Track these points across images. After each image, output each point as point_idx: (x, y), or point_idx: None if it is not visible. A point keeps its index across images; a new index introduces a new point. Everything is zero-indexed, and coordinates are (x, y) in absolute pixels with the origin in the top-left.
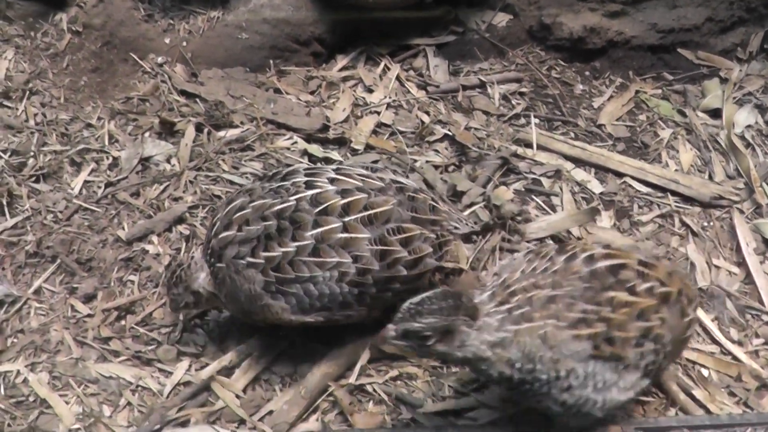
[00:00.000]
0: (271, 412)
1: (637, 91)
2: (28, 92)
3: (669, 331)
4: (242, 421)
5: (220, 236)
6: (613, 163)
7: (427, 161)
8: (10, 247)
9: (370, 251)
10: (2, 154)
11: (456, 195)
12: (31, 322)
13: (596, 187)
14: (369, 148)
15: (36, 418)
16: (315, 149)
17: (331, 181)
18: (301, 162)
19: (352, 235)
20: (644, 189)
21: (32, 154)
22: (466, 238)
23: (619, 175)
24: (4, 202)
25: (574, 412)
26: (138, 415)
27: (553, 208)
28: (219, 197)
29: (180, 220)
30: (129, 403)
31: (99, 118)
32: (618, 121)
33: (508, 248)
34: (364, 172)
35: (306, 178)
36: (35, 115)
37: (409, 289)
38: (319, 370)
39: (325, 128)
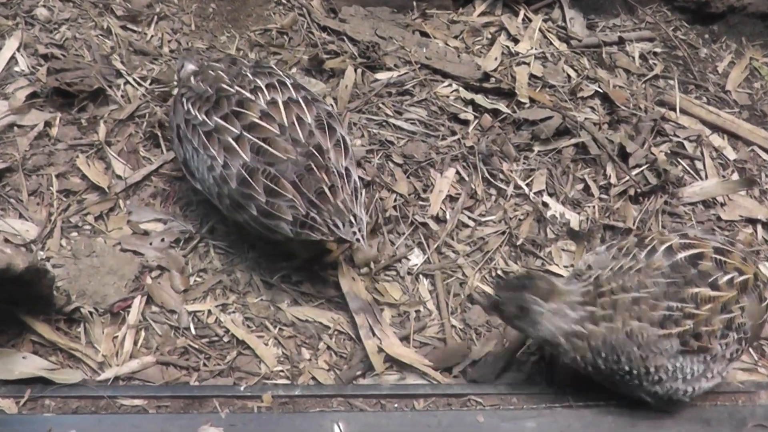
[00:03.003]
0: (474, 363)
1: (750, 59)
2: (155, 17)
3: (749, 317)
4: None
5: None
6: (743, 132)
7: (585, 118)
8: (174, 182)
9: (238, 169)
10: (142, 82)
11: (623, 156)
12: (213, 261)
13: (730, 154)
14: (531, 101)
15: (234, 358)
16: (481, 99)
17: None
18: (467, 111)
19: (237, 147)
20: None
21: (175, 83)
22: (634, 199)
23: (747, 143)
24: (159, 134)
25: (664, 400)
26: (338, 359)
27: (698, 173)
28: (391, 143)
29: (358, 164)
30: (328, 347)
31: (238, 49)
32: (740, 88)
33: (669, 211)
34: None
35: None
36: (169, 41)
37: (266, 231)
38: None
39: (486, 77)
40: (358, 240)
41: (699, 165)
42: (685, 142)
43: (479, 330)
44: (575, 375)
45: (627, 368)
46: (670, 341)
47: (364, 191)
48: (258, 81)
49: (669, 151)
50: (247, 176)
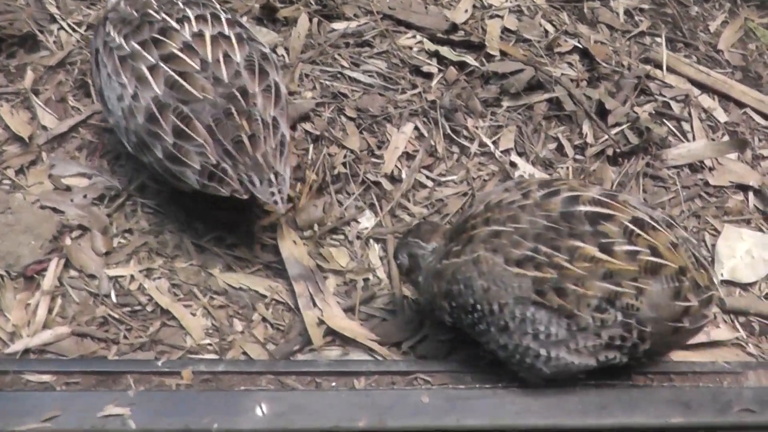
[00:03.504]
0: (425, 338)
1: (745, 19)
2: None
3: (651, 309)
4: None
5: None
6: (736, 93)
7: (562, 74)
8: (103, 134)
9: (148, 103)
10: (77, 27)
11: (601, 113)
12: (140, 221)
13: (721, 115)
14: (502, 54)
15: (158, 330)
16: (447, 51)
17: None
18: (430, 64)
19: (149, 77)
20: (764, 122)
21: None
22: (612, 160)
23: (740, 105)
24: (90, 82)
25: (517, 359)
26: (274, 332)
27: (685, 135)
28: (345, 96)
29: (305, 117)
30: (264, 319)
31: None
32: (733, 48)
33: (651, 174)
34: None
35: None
36: None
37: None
38: None
39: (454, 29)
40: (276, 202)
41: (686, 127)
42: (672, 102)
43: None
44: None
45: (471, 302)
46: (520, 281)
47: (290, 148)
48: (188, 11)
49: (654, 111)
50: (156, 112)
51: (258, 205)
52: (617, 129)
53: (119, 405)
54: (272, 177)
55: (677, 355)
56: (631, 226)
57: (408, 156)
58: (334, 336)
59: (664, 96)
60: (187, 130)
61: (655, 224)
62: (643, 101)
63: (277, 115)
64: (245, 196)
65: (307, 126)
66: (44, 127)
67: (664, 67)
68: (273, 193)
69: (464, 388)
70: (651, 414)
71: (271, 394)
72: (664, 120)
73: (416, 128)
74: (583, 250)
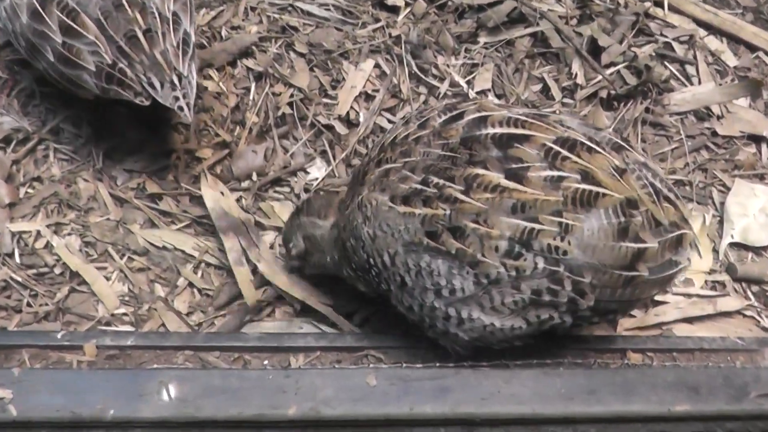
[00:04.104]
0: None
1: None
2: None
3: (582, 252)
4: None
5: None
6: (747, 34)
7: (549, 9)
8: (15, 67)
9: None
10: None
11: (594, 52)
12: (52, 168)
13: (730, 59)
14: None
15: (66, 297)
16: None
17: None
18: None
19: None
20: None
21: None
22: (606, 104)
23: (751, 48)
24: None
25: (428, 324)
26: (202, 299)
27: (689, 79)
28: (295, 29)
29: (246, 53)
30: (190, 284)
31: None
32: None
33: (651, 121)
34: None
35: None
36: None
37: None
38: None
39: None
40: (180, 108)
41: (691, 70)
42: (674, 43)
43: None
44: None
45: (364, 256)
46: (408, 222)
47: (195, 50)
48: None
49: (654, 53)
50: (38, 7)
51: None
52: (612, 69)
53: (1, 386)
54: (174, 79)
55: (680, 329)
56: (556, 147)
57: (367, 97)
58: (275, 303)
59: (666, 36)
60: (74, 25)
61: (593, 146)
62: (642, 42)
63: (179, 11)
64: (146, 102)
65: (249, 62)
66: None
67: (666, 5)
68: (177, 98)
69: (421, 367)
70: (651, 400)
71: (183, 373)
72: (666, 63)
73: (377, 66)
74: (484, 177)
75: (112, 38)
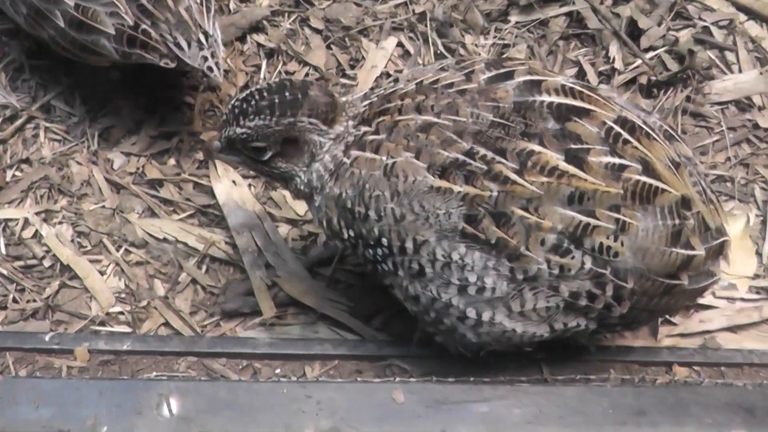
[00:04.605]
0: (402, 312)
1: None
2: None
3: (634, 254)
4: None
5: None
6: None
7: None
8: (1, 40)
9: None
10: None
11: (633, 34)
12: (42, 149)
13: None
14: None
15: (55, 293)
16: None
17: None
18: None
19: None
20: None
21: None
22: (646, 91)
23: None
24: None
25: (433, 318)
26: (207, 297)
27: (729, 66)
28: (310, 3)
29: (257, 28)
30: (194, 281)
31: None
32: None
33: (692, 111)
34: None
35: None
36: None
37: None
38: None
39: None
40: (210, 69)
41: (731, 57)
42: (713, 28)
43: None
44: None
45: (377, 233)
46: (446, 203)
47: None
48: None
49: (692, 38)
50: None
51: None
52: (652, 54)
53: None
54: (201, 37)
55: (724, 337)
56: (617, 128)
57: (388, 77)
58: (289, 305)
59: (704, 20)
60: None
61: (650, 131)
62: (679, 26)
63: None
64: (172, 65)
65: (260, 38)
66: None
67: None
68: (205, 58)
69: (454, 381)
70: (705, 423)
71: (186, 385)
72: (704, 49)
73: (400, 45)
74: (541, 156)
75: None
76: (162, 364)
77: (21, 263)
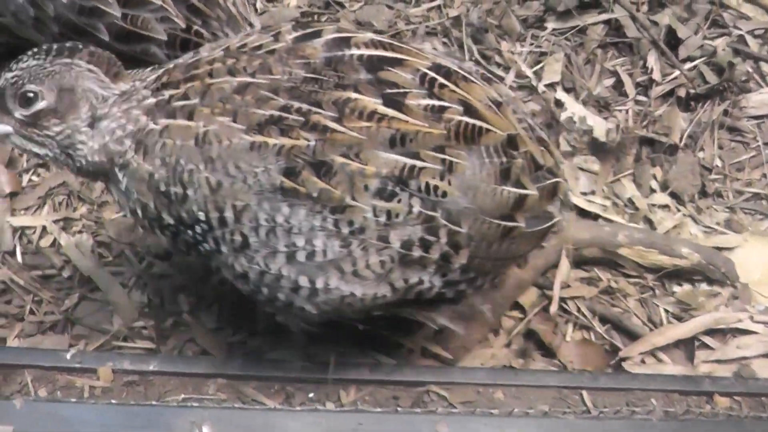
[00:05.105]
0: (438, 332)
1: None
2: None
3: (463, 194)
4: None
5: None
6: None
7: None
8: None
9: None
10: None
11: (671, 44)
12: None
13: None
14: None
15: (75, 305)
16: None
17: None
18: None
19: None
20: None
21: None
22: (684, 104)
23: None
24: None
25: (266, 295)
26: (231, 313)
27: (764, 78)
28: (340, 5)
29: None
30: (219, 296)
31: None
32: None
33: (729, 125)
34: None
35: None
36: None
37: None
38: (512, 272)
39: None
40: None
41: (766, 68)
42: (748, 37)
43: None
44: None
45: (194, 209)
46: (263, 159)
47: None
48: None
49: (726, 48)
50: None
51: None
52: (690, 64)
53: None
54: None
55: (760, 365)
56: (432, 74)
57: None
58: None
59: (740, 29)
60: None
61: (466, 74)
62: (714, 34)
63: None
64: None
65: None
66: None
67: None
68: None
69: (498, 414)
70: None
71: (220, 413)
72: (741, 59)
73: (435, 50)
74: (358, 101)
75: None
76: (190, 386)
77: (38, 273)
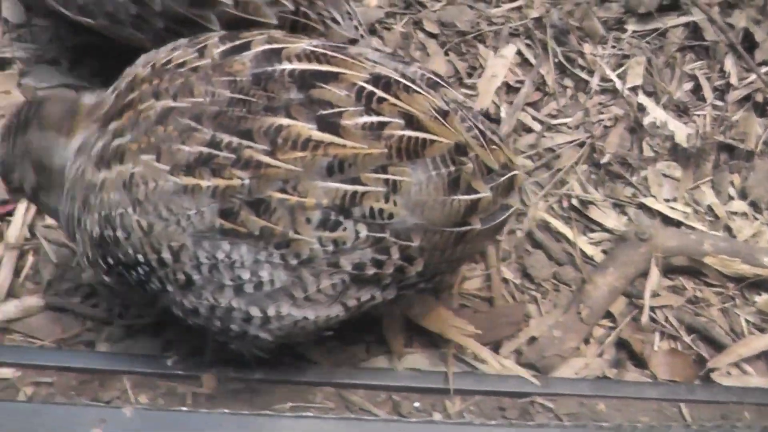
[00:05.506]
0: (533, 340)
1: None
2: None
3: (410, 212)
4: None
5: None
6: None
7: None
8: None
9: None
10: None
11: (747, 47)
12: None
13: None
14: None
15: (166, 307)
16: None
17: None
18: None
19: None
20: None
21: None
22: (760, 110)
23: None
24: None
25: (219, 327)
26: None
27: None
28: (422, 5)
29: (369, 31)
30: None
31: None
32: None
33: None
34: None
35: None
36: None
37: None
38: (604, 280)
39: None
40: (362, 37)
41: None
42: None
43: (543, 286)
44: None
45: (130, 251)
46: (196, 202)
47: None
48: None
49: None
50: None
51: None
52: (766, 68)
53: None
54: (349, 9)
55: None
56: (370, 87)
57: (509, 88)
58: (408, 330)
59: None
60: None
61: (409, 84)
62: None
63: None
64: None
65: (374, 42)
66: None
67: None
68: (356, 27)
69: (609, 428)
70: None
71: (333, 426)
72: None
73: (518, 52)
74: (291, 129)
75: None
76: (296, 394)
77: None
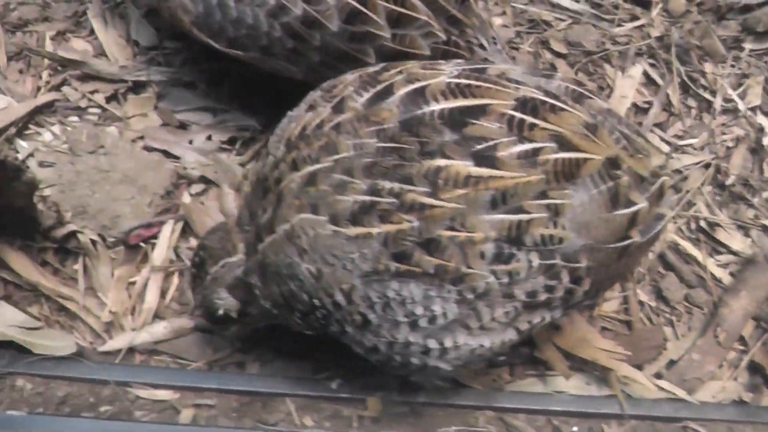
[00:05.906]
0: (672, 363)
1: None
2: None
3: (577, 233)
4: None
5: None
6: None
7: None
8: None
9: None
10: None
11: None
12: None
13: None
14: None
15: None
16: None
17: None
18: None
19: None
20: None
21: None
22: None
23: None
24: None
25: (399, 362)
26: None
27: None
28: (548, 24)
29: None
30: None
31: None
32: None
33: None
34: None
35: None
36: None
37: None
38: (738, 304)
39: None
40: (513, 58)
41: None
42: None
43: (677, 309)
44: None
45: (306, 298)
46: (361, 247)
47: None
48: None
49: None
50: (358, 5)
51: None
52: None
53: None
54: (494, 32)
55: None
56: (518, 114)
57: (637, 108)
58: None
59: None
60: (405, 11)
61: (555, 102)
62: None
63: None
64: None
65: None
66: (136, 43)
67: None
68: (500, 51)
69: None
70: None
71: None
72: None
73: (644, 72)
74: (450, 169)
75: (441, 9)
76: (458, 417)
77: None
